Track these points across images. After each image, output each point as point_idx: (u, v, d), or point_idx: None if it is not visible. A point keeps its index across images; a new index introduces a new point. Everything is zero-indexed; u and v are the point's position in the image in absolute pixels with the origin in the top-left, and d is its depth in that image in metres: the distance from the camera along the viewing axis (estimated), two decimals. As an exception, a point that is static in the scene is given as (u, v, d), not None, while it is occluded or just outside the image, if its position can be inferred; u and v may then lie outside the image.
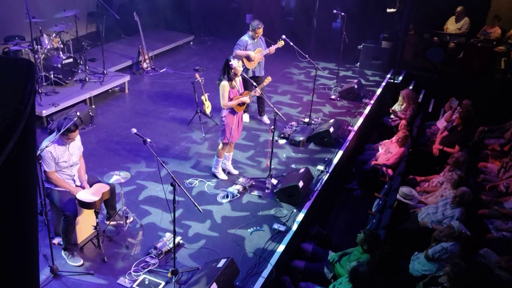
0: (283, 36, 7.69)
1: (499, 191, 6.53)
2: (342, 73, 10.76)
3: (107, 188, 4.95)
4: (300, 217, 5.87)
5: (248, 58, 7.44)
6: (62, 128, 4.65)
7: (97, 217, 4.87)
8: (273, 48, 7.59)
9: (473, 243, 5.42)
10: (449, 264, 4.51)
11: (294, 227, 5.67)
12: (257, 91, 6.26)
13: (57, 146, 4.76)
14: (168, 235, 5.19)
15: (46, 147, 4.66)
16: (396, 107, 8.92)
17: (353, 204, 7.27)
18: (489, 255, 5.24)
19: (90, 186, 5.03)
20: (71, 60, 8.18)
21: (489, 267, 5.13)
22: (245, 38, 7.54)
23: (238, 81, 6.11)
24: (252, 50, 7.49)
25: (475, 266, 5.08)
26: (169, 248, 5.01)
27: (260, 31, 7.44)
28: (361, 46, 11.36)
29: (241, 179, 6.43)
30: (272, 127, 6.21)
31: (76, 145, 4.96)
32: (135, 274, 4.76)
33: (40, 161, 4.58)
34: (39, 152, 4.61)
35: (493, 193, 6.58)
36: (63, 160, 4.81)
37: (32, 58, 7.47)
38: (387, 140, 7.83)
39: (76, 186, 5.01)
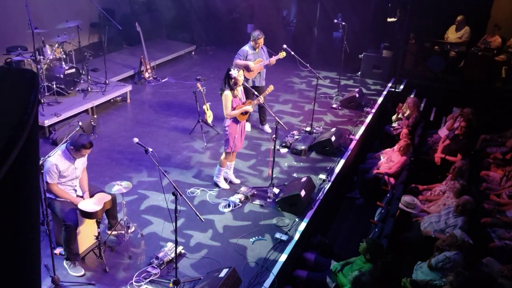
0: (284, 46, 7.72)
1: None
2: (343, 82, 10.79)
3: (108, 197, 4.94)
4: (302, 226, 5.85)
5: (248, 68, 7.44)
6: (66, 140, 4.64)
7: (98, 227, 4.87)
8: (273, 60, 7.59)
9: (476, 252, 5.38)
10: (453, 273, 4.48)
11: (296, 236, 5.65)
12: (260, 99, 6.25)
13: (64, 160, 4.75)
14: (170, 245, 5.17)
15: (49, 157, 4.66)
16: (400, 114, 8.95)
17: (355, 213, 7.25)
18: (492, 264, 5.21)
19: (92, 196, 5.03)
20: (73, 70, 8.22)
21: (492, 276, 5.09)
22: (246, 48, 7.56)
23: (240, 90, 6.13)
24: (253, 60, 7.50)
25: (478, 275, 5.04)
26: (170, 258, 4.99)
27: (261, 41, 7.46)
28: (362, 55, 11.39)
29: (242, 188, 6.42)
30: (274, 136, 6.22)
31: (81, 160, 4.97)
32: (137, 284, 4.74)
33: (42, 171, 4.59)
34: (42, 161, 4.62)
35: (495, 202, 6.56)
36: (66, 174, 4.82)
37: (34, 69, 7.51)
38: (388, 149, 7.82)
39: (77, 196, 5.01)
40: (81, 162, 4.96)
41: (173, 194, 4.26)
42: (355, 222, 7.02)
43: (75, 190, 5.03)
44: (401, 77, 11.22)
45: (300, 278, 5.22)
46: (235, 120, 6.09)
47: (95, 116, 8.21)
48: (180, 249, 5.14)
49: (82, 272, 4.83)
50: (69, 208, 4.81)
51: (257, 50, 7.54)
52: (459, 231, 5.09)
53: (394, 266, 5.49)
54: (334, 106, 9.53)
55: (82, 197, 5.02)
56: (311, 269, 5.36)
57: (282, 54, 7.57)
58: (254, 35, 7.44)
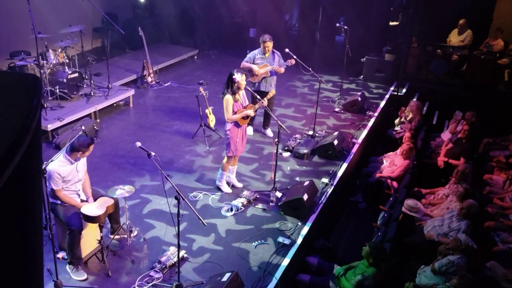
0: (287, 50, 7.74)
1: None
2: (346, 86, 10.78)
3: (111, 202, 4.95)
4: (305, 230, 5.84)
5: (252, 72, 7.44)
6: (68, 144, 4.66)
7: (101, 231, 4.87)
8: (277, 67, 7.43)
9: (480, 256, 5.36)
10: (457, 276, 4.46)
11: (299, 240, 5.64)
12: (264, 102, 6.19)
13: (65, 164, 4.77)
14: (172, 249, 5.17)
15: (51, 161, 4.67)
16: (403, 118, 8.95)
17: (358, 217, 7.24)
18: (496, 268, 5.19)
19: (94, 200, 5.04)
20: (76, 74, 8.25)
21: (496, 280, 5.07)
22: (256, 51, 7.57)
23: (241, 94, 6.13)
24: (260, 64, 7.48)
25: (482, 279, 5.02)
26: (173, 262, 4.99)
27: (268, 44, 7.38)
28: (364, 59, 11.40)
29: (245, 192, 6.42)
30: (276, 139, 6.21)
31: (82, 162, 4.99)
32: (139, 288, 4.74)
33: (45, 176, 4.60)
34: (45, 165, 4.63)
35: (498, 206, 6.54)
36: (70, 178, 4.83)
37: (37, 73, 7.55)
38: (391, 153, 7.81)
39: (81, 200, 5.03)
40: (82, 164, 4.98)
41: (176, 198, 4.26)
42: (358, 226, 7.00)
43: (79, 195, 5.04)
44: (403, 80, 11.21)
45: (303, 283, 5.21)
46: (236, 124, 6.09)
47: (98, 121, 8.23)
48: (182, 253, 5.13)
49: (85, 276, 4.83)
50: (73, 212, 4.82)
51: (266, 55, 7.50)
52: (463, 235, 5.07)
53: (397, 270, 5.47)
54: (337, 109, 9.53)
55: (86, 201, 5.04)
56: (314, 273, 5.34)
57: (291, 62, 7.56)
58: (262, 38, 7.44)
